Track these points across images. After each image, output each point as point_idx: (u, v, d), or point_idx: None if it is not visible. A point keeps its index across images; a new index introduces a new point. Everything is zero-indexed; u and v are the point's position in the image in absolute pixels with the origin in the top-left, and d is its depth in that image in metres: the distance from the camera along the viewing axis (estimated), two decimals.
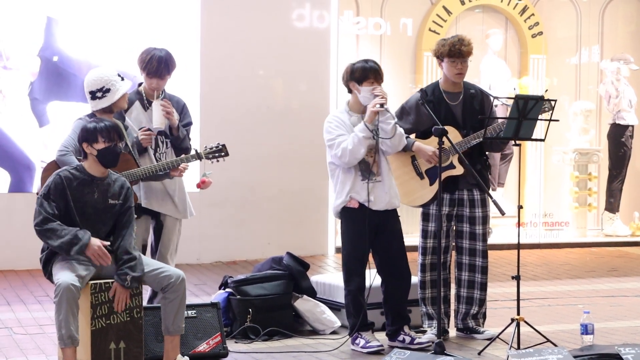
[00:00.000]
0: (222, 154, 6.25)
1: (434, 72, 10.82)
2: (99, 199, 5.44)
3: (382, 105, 6.03)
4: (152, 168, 6.05)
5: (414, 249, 6.60)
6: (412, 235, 7.52)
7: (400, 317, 6.31)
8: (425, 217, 6.54)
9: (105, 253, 5.36)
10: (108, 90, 5.92)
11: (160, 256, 6.40)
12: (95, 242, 5.34)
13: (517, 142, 6.20)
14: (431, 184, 6.47)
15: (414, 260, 6.52)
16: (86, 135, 5.43)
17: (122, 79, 5.99)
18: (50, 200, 5.35)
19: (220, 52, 9.79)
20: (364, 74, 6.14)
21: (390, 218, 6.26)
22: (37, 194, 5.90)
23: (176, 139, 6.36)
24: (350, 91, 6.26)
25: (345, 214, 6.27)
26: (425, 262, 6.52)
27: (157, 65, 6.28)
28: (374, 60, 6.25)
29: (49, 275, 5.46)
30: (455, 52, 6.40)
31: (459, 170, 6.42)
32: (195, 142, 9.47)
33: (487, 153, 6.63)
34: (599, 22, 11.66)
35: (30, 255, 7.65)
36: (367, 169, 6.18)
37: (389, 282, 6.30)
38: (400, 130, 6.18)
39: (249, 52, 9.87)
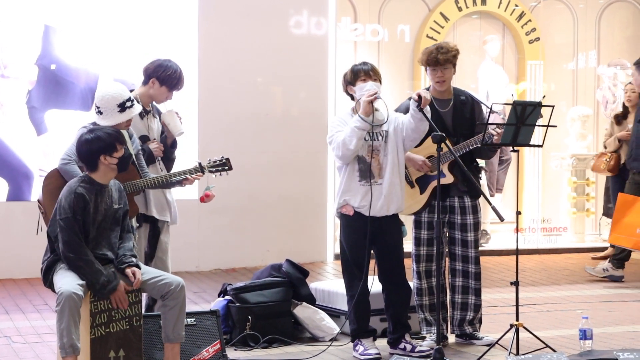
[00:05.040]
0: (226, 167, 6.23)
1: None
2: (108, 206, 5.48)
3: (374, 95, 6.01)
4: (159, 179, 6.03)
5: (407, 255, 6.58)
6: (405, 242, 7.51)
7: (401, 325, 6.31)
8: (418, 225, 6.54)
9: (126, 299, 5.39)
10: (101, 113, 5.91)
11: (159, 261, 6.40)
12: (122, 287, 5.37)
13: (515, 148, 6.21)
14: (422, 192, 6.48)
15: (409, 267, 6.51)
16: (104, 147, 5.42)
17: (124, 109, 5.85)
18: (77, 220, 5.34)
19: (218, 59, 9.80)
20: (355, 74, 6.21)
21: (388, 225, 6.21)
22: (39, 202, 5.91)
23: (171, 147, 6.42)
24: (352, 98, 6.28)
25: (342, 220, 6.28)
26: (420, 269, 6.53)
27: (180, 81, 6.35)
28: (365, 62, 6.29)
29: (49, 284, 5.46)
30: (432, 60, 6.41)
31: (449, 178, 6.42)
32: (194, 150, 9.53)
33: (476, 159, 6.64)
34: (595, 28, 11.68)
35: (29, 264, 7.69)
36: (366, 169, 6.13)
37: (389, 290, 6.30)
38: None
39: (247, 59, 9.88)
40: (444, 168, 6.40)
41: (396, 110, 6.44)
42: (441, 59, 6.39)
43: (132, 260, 5.46)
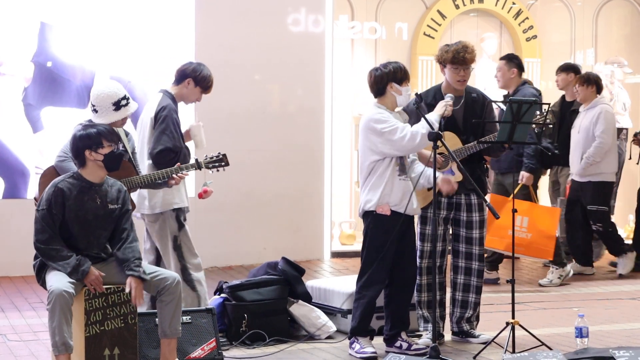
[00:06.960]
0: (223, 163, 6.24)
1: (429, 76, 10.83)
2: (100, 205, 5.44)
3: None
4: (151, 176, 6.03)
5: None
6: None
7: (400, 321, 6.31)
8: (423, 221, 6.54)
9: (101, 282, 5.37)
10: (96, 111, 5.92)
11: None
12: (94, 271, 5.35)
13: (511, 145, 6.21)
14: (429, 188, 6.47)
15: None
16: (89, 142, 5.41)
17: (119, 107, 5.90)
18: (52, 214, 5.34)
19: (215, 56, 9.75)
20: (406, 75, 6.20)
21: (411, 223, 6.27)
22: (35, 200, 5.91)
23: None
24: (381, 93, 6.20)
25: (375, 219, 6.16)
26: (422, 265, 6.52)
27: (212, 84, 6.54)
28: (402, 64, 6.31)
29: (42, 282, 5.45)
30: (460, 59, 6.40)
31: (458, 177, 6.41)
32: (190, 148, 9.49)
33: (484, 157, 6.64)
34: (592, 26, 11.68)
35: (25, 262, 7.61)
36: (403, 163, 6.17)
37: (394, 286, 6.28)
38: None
39: (245, 56, 9.87)
40: (454, 167, 6.41)
41: (406, 107, 6.43)
42: (468, 58, 6.41)
43: (138, 271, 5.37)
